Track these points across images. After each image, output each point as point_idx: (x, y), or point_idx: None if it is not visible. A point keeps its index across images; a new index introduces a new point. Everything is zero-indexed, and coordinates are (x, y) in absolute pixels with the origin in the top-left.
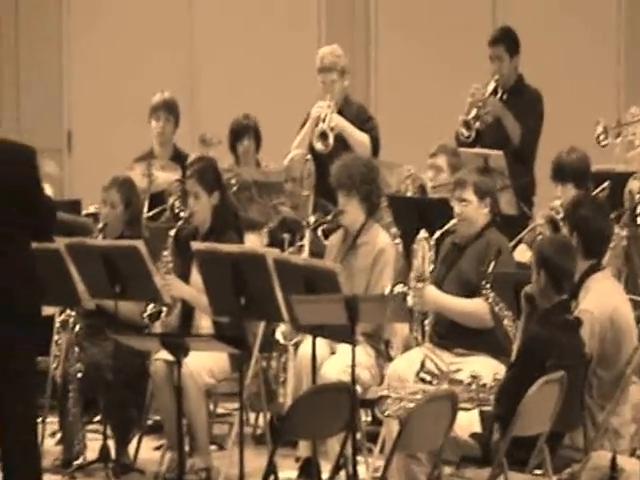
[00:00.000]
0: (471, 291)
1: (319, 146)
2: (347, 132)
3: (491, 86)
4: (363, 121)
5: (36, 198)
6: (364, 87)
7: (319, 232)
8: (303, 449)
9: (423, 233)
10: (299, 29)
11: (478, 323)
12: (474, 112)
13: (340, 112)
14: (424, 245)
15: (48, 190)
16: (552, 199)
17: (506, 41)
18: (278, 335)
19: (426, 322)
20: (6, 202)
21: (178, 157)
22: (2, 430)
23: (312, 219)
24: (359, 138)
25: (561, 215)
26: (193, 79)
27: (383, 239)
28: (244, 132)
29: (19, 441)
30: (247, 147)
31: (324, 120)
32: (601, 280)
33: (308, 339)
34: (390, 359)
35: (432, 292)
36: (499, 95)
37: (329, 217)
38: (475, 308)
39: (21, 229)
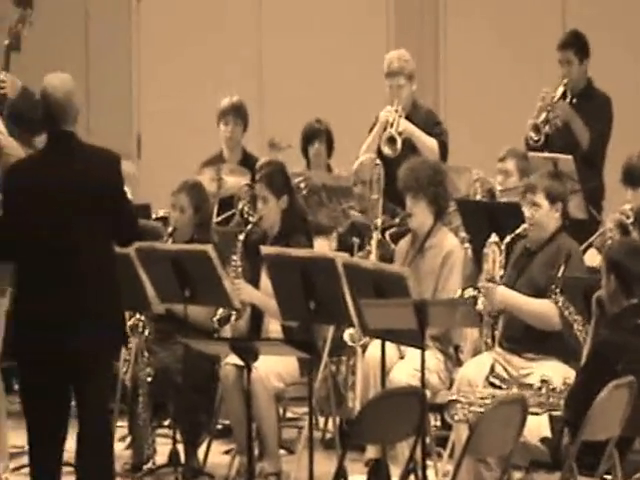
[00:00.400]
0: (541, 296)
1: (387, 150)
2: (415, 136)
3: (560, 90)
4: (431, 126)
5: (120, 204)
6: (433, 91)
7: (387, 237)
8: (371, 451)
9: (494, 237)
10: (368, 32)
11: (546, 324)
12: (543, 116)
13: (408, 117)
14: (495, 249)
15: (128, 193)
16: (622, 203)
17: (575, 45)
18: (346, 337)
19: (497, 326)
20: (90, 207)
21: (247, 161)
22: (79, 432)
23: (379, 222)
24: (427, 143)
25: (631, 219)
26: (261, 83)
27: (451, 241)
28: (316, 136)
29: (94, 444)
30: (318, 150)
31: (392, 125)
32: None
33: (376, 342)
34: (460, 364)
35: (502, 290)
36: (568, 99)
37: (397, 220)
38: (544, 309)
39: (105, 234)
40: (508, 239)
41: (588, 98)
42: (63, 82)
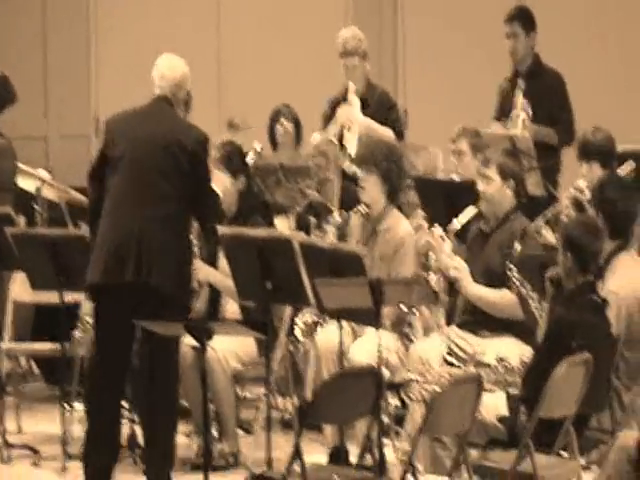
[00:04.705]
0: (497, 278)
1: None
2: (372, 130)
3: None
4: (386, 109)
5: (204, 185)
6: (392, 70)
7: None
8: (330, 437)
9: (438, 229)
10: (326, 12)
11: (509, 315)
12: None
13: (363, 97)
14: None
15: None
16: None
17: (521, 17)
18: (297, 332)
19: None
20: (170, 163)
21: None
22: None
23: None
24: (384, 134)
25: (587, 196)
26: (220, 63)
27: (404, 228)
28: (282, 114)
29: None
30: (287, 128)
31: (349, 130)
32: (627, 261)
33: (327, 327)
34: (410, 340)
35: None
36: (519, 83)
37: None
38: (504, 301)
39: (179, 197)
40: (458, 226)
41: (537, 77)
42: (172, 61)
